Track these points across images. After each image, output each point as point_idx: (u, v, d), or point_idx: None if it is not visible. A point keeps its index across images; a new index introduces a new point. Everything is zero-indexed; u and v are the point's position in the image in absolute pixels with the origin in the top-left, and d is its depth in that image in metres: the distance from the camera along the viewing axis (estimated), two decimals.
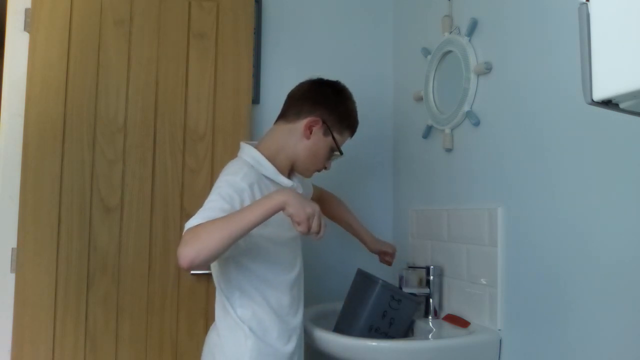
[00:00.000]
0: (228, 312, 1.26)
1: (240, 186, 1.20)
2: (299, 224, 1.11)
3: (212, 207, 1.14)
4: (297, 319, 1.34)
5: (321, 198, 1.71)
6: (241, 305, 1.26)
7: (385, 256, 1.74)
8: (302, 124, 1.33)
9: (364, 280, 1.54)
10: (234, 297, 1.26)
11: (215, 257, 1.09)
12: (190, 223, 1.10)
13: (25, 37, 1.80)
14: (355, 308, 1.51)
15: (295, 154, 1.34)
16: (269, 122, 1.99)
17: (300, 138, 1.34)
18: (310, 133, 1.33)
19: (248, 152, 1.32)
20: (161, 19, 1.86)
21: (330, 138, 1.35)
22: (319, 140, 1.34)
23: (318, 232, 1.14)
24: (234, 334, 1.25)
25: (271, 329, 1.27)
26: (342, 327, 1.52)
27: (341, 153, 1.40)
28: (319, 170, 1.41)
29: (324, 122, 1.34)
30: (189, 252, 1.05)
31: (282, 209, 1.11)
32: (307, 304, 1.44)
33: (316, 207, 1.13)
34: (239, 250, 1.19)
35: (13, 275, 1.73)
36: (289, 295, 1.31)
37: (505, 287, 1.36)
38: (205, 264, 1.08)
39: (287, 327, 1.30)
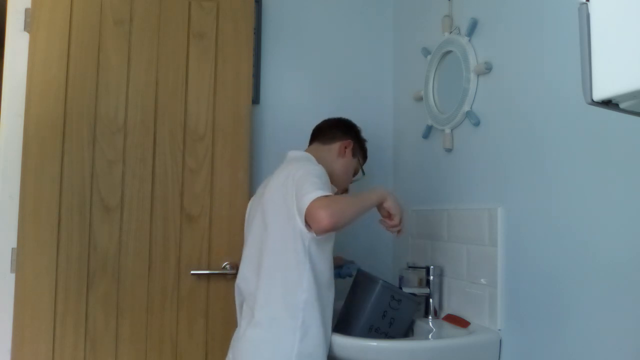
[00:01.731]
0: (286, 299, 1.29)
1: (326, 175, 1.36)
2: (393, 217, 1.32)
3: (320, 184, 1.25)
4: (329, 323, 1.36)
5: None
6: (307, 290, 1.30)
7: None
8: (338, 145, 1.58)
9: (364, 280, 1.54)
10: (302, 282, 1.30)
11: (348, 224, 1.23)
12: (314, 195, 1.21)
13: (25, 37, 1.80)
14: (356, 308, 1.51)
15: (333, 169, 1.53)
16: (269, 122, 2.03)
17: (336, 157, 1.57)
18: (345, 153, 1.58)
19: (306, 156, 1.49)
20: (161, 19, 1.86)
21: (356, 159, 1.63)
22: (350, 160, 1.60)
23: (401, 230, 1.35)
24: (283, 324, 1.29)
25: (315, 322, 1.31)
26: (342, 327, 1.52)
27: (364, 173, 1.67)
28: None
29: (353, 146, 1.60)
30: (334, 212, 1.18)
31: (384, 200, 1.32)
32: None
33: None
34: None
35: (13, 275, 1.73)
36: (331, 295, 1.38)
37: (505, 287, 1.36)
38: (342, 227, 1.22)
39: (326, 324, 1.34)
